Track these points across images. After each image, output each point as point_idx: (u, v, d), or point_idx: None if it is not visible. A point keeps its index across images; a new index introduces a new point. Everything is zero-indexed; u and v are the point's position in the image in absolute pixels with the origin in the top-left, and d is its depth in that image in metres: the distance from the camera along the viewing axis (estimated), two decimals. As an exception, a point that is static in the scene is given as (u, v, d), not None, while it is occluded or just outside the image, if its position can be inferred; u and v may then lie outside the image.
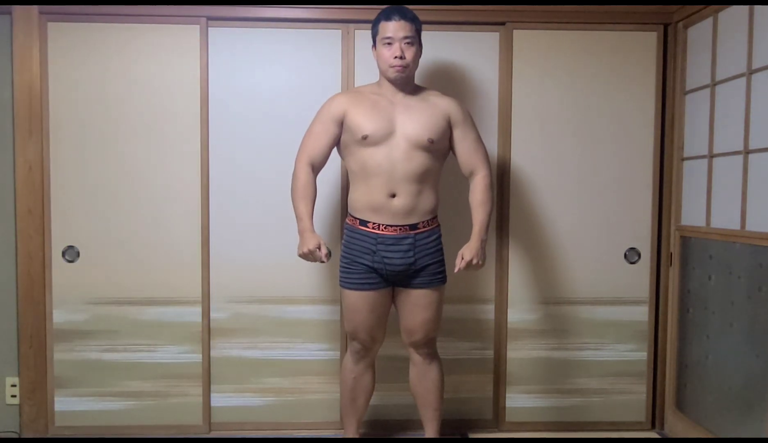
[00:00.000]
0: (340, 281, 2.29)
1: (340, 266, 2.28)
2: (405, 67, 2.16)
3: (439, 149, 2.23)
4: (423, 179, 2.19)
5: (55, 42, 2.59)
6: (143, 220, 2.65)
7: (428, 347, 2.35)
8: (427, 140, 2.17)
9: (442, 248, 2.28)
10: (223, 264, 2.67)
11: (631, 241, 2.74)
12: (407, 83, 2.24)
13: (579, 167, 2.72)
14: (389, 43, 2.16)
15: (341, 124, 2.22)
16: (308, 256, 2.17)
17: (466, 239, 2.21)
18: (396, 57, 2.14)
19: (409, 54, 2.17)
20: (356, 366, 2.38)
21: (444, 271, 2.29)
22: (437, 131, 2.19)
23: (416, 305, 2.26)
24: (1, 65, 2.59)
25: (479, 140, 2.29)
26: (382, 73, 2.23)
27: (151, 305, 2.67)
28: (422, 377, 2.38)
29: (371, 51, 2.27)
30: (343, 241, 2.30)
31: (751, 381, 2.24)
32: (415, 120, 2.18)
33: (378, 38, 2.19)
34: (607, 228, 2.73)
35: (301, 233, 2.20)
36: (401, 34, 2.14)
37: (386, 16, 2.17)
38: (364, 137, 2.16)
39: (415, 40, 2.18)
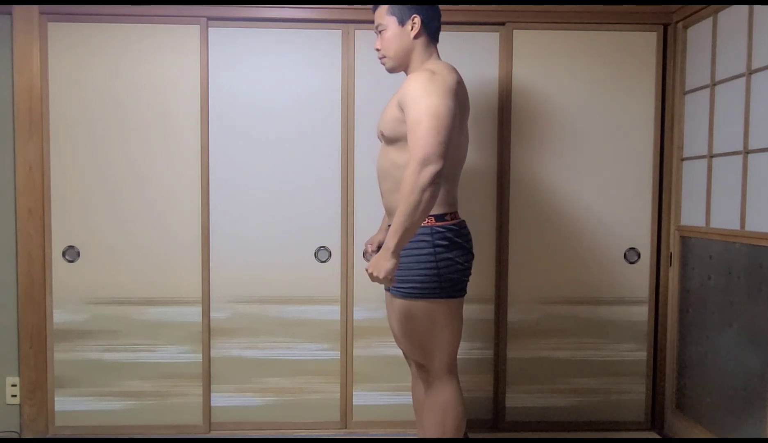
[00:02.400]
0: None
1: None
2: (382, 58, 2.02)
3: (399, 139, 1.90)
4: (391, 174, 1.94)
5: (56, 42, 2.59)
6: (143, 220, 2.65)
7: (419, 367, 2.00)
8: (379, 133, 2.00)
9: (418, 255, 1.88)
10: (223, 264, 2.67)
11: (631, 241, 2.74)
12: (405, 72, 2.04)
13: (579, 166, 2.72)
14: None
15: None
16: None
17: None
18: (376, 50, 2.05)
19: (383, 43, 1.99)
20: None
21: (407, 282, 1.89)
22: (388, 122, 1.93)
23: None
24: (1, 65, 2.59)
25: (418, 120, 1.76)
26: None
27: (151, 305, 2.67)
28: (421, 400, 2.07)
29: None
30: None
31: (751, 381, 2.24)
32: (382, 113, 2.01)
33: None
34: (607, 228, 2.73)
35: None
36: (375, 24, 2.01)
37: None
38: None
39: (387, 24, 1.97)
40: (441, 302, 1.90)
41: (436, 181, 1.73)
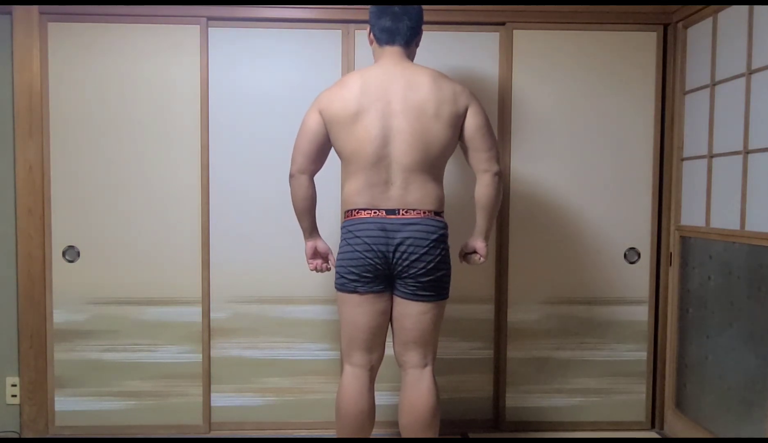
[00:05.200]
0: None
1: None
2: None
3: None
4: None
5: (55, 42, 2.59)
6: (143, 220, 2.65)
7: None
8: None
9: None
10: (223, 264, 2.68)
11: (631, 241, 2.74)
12: None
13: (579, 166, 2.72)
14: None
15: None
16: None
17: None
18: None
19: None
20: None
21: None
22: None
23: None
24: (1, 65, 2.59)
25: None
26: None
27: (151, 305, 2.67)
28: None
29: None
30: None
31: (751, 381, 2.24)
32: None
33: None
34: (606, 228, 2.74)
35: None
36: None
37: None
38: None
39: None
40: (337, 293, 2.11)
41: (290, 181, 2.14)
